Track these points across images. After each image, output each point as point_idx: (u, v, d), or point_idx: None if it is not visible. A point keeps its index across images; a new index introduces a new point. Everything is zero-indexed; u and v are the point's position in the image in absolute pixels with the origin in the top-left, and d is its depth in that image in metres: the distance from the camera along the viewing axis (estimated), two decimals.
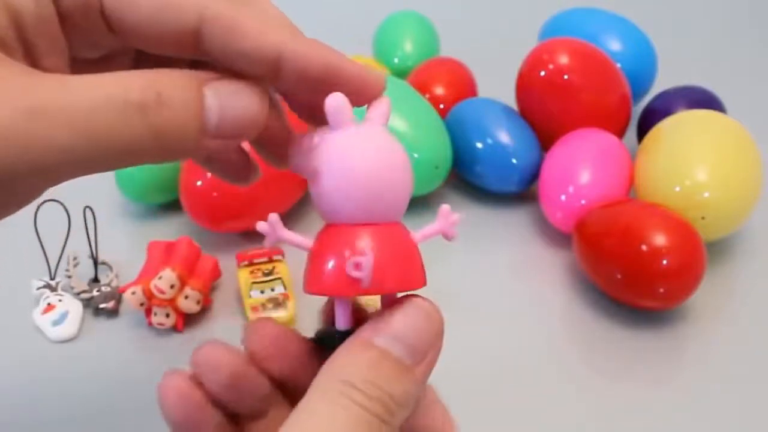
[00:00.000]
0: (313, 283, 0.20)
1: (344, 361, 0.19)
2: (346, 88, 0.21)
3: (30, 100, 0.17)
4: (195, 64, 0.22)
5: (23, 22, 0.19)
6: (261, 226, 0.20)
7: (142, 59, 0.24)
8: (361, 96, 0.22)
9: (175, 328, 0.39)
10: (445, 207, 0.22)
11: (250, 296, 0.39)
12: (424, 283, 0.21)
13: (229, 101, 0.19)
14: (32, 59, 0.20)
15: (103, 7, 0.20)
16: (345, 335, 0.21)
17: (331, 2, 0.78)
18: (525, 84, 0.49)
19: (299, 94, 0.22)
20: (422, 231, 0.22)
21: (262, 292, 0.40)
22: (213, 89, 0.19)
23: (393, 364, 0.19)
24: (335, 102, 0.21)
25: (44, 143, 0.17)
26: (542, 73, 0.47)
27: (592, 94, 0.47)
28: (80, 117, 0.17)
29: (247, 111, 0.19)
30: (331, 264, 0.20)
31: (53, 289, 0.41)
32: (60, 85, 0.17)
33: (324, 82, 0.21)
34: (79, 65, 0.22)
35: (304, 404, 0.18)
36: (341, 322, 0.21)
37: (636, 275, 0.38)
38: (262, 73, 0.20)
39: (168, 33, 0.20)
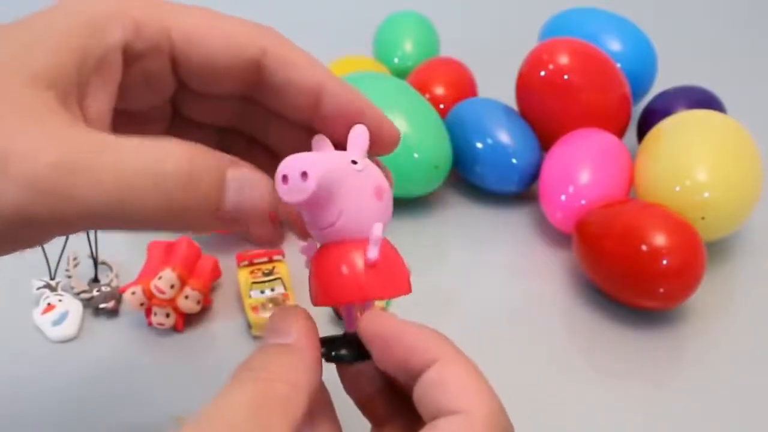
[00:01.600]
0: (323, 294, 0.23)
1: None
2: (368, 126, 0.24)
3: (69, 156, 0.17)
4: (225, 133, 0.26)
5: (88, 65, 0.20)
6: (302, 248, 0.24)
7: (176, 123, 0.25)
8: (376, 137, 0.24)
9: (175, 328, 0.39)
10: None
11: (250, 296, 0.39)
12: (410, 290, 0.24)
13: (247, 187, 0.21)
14: (81, 102, 0.20)
15: (174, 46, 0.22)
16: (351, 338, 0.23)
17: (331, 2, 0.78)
18: (525, 84, 0.49)
19: (328, 129, 0.24)
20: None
21: (262, 292, 0.40)
22: (236, 175, 0.20)
23: (276, 347, 0.22)
24: (360, 131, 0.23)
25: (71, 198, 0.17)
26: (542, 73, 0.47)
27: (592, 94, 0.47)
28: (111, 180, 0.18)
29: (261, 201, 0.21)
30: (341, 270, 0.22)
31: (53, 289, 0.41)
32: (101, 144, 0.18)
33: (352, 119, 0.24)
34: (117, 118, 0.22)
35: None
36: (350, 326, 0.24)
37: (636, 275, 0.38)
38: (306, 102, 0.23)
39: (233, 66, 0.22)
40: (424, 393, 0.21)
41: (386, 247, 0.23)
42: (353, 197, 0.22)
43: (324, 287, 0.23)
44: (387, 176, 0.24)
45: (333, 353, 0.23)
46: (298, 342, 0.21)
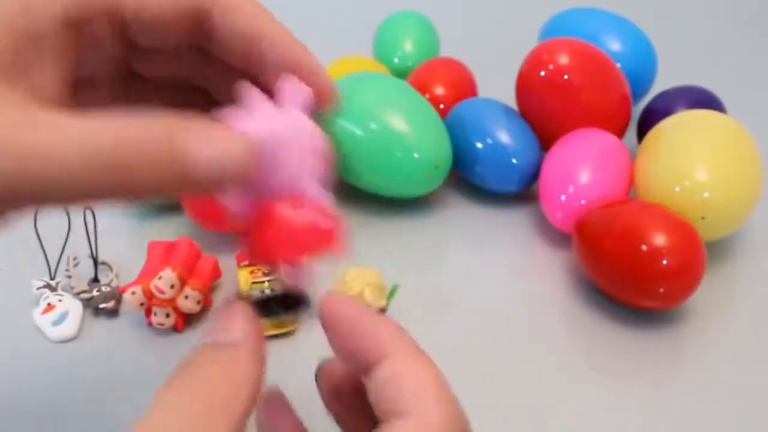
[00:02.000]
0: (263, 251, 0.23)
1: None
2: (302, 78, 0.23)
3: (19, 146, 0.18)
4: (185, 92, 0.26)
5: (27, 43, 0.20)
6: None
7: (133, 84, 0.25)
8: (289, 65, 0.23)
9: (175, 328, 0.39)
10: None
11: None
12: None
13: (205, 141, 0.19)
14: (27, 78, 0.20)
15: (117, 5, 0.21)
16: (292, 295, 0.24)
17: (331, 2, 0.78)
18: (525, 84, 0.49)
19: (269, 79, 0.24)
20: None
21: (262, 292, 0.40)
22: (190, 131, 0.19)
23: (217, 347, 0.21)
24: (296, 85, 0.23)
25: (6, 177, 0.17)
26: (542, 73, 0.47)
27: (592, 94, 0.47)
28: (41, 156, 0.18)
29: (227, 153, 0.20)
30: (285, 227, 0.22)
31: (53, 289, 0.41)
32: (33, 124, 0.18)
33: (288, 69, 0.23)
34: (72, 86, 0.22)
35: None
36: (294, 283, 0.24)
37: (636, 275, 0.38)
38: (247, 50, 0.23)
39: (179, 16, 0.22)
40: (375, 390, 0.21)
41: (323, 206, 0.23)
42: (292, 157, 0.22)
43: (267, 244, 0.23)
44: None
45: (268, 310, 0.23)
46: (239, 340, 0.21)
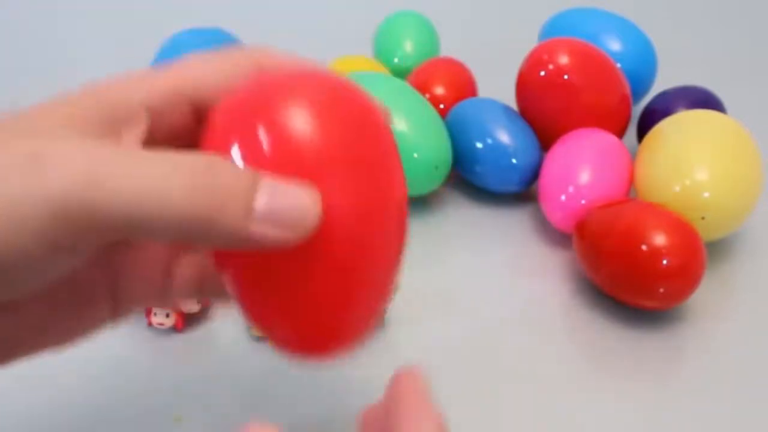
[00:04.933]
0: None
1: None
2: None
3: (96, 165, 0.18)
4: None
5: (115, 120, 0.22)
6: None
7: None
8: None
9: (175, 328, 0.39)
10: None
11: None
12: None
13: (280, 193, 0.20)
14: (116, 139, 0.22)
15: (189, 95, 0.24)
16: None
17: (331, 2, 0.78)
18: (525, 84, 0.49)
19: None
20: None
21: None
22: (268, 182, 0.20)
23: None
24: None
25: (98, 204, 0.18)
26: (542, 73, 0.47)
27: (592, 94, 0.47)
28: (132, 187, 0.18)
29: (299, 204, 0.20)
30: None
31: None
32: (126, 155, 0.19)
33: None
34: None
35: None
36: None
37: (636, 275, 0.38)
38: None
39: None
40: None
41: None
42: None
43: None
44: None
45: None
46: None
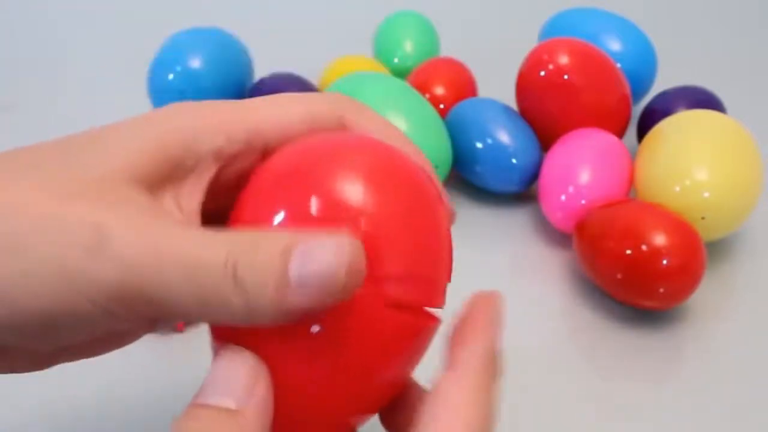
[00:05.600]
0: None
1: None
2: None
3: (150, 244, 0.18)
4: None
5: (180, 173, 0.21)
6: None
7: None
8: None
9: (175, 328, 0.39)
10: None
11: None
12: None
13: (311, 255, 0.18)
14: (171, 198, 0.21)
15: (264, 141, 0.23)
16: None
17: (331, 2, 0.78)
18: (525, 84, 0.49)
19: None
20: None
21: None
22: (300, 248, 0.18)
23: (213, 413, 0.19)
24: None
25: (153, 286, 0.18)
26: (542, 73, 0.47)
27: (592, 94, 0.47)
28: (178, 271, 0.18)
29: (330, 265, 0.17)
30: None
31: None
32: (172, 233, 0.19)
33: None
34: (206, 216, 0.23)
35: None
36: None
37: (636, 275, 0.38)
38: None
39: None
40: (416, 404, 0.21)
41: None
42: None
43: None
44: None
45: None
46: (244, 410, 0.18)
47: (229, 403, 0.18)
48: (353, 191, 0.20)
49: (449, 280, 0.23)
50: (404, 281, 0.21)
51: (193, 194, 0.22)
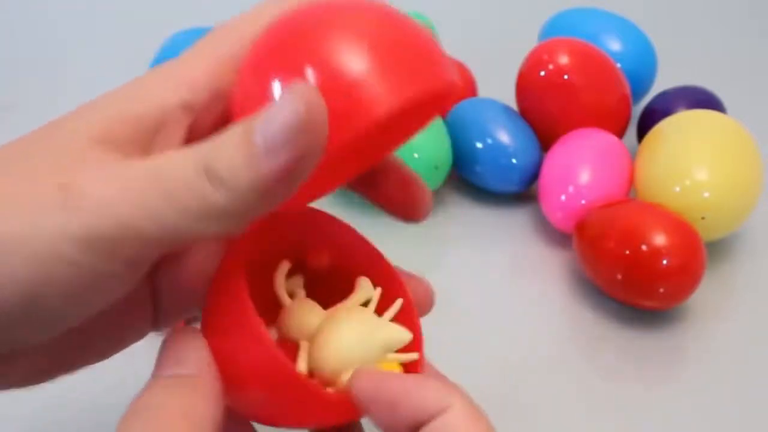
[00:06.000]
0: None
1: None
2: None
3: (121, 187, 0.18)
4: None
5: (146, 129, 0.21)
6: None
7: None
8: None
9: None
10: None
11: None
12: None
13: (270, 117, 0.18)
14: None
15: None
16: None
17: None
18: (525, 84, 0.49)
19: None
20: None
21: None
22: (258, 119, 0.18)
23: (174, 381, 0.20)
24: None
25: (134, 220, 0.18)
26: (542, 73, 0.47)
27: (592, 94, 0.47)
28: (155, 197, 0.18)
29: (293, 114, 0.17)
30: None
31: None
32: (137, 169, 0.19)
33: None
34: None
35: None
36: None
37: (636, 275, 0.38)
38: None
39: None
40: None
41: None
42: None
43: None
44: None
45: None
46: (197, 372, 0.20)
47: (189, 370, 0.20)
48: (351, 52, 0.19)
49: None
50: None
51: (166, 150, 0.21)
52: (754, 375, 0.37)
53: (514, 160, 0.47)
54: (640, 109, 0.53)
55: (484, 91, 0.56)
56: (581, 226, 0.42)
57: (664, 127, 0.45)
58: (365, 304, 0.24)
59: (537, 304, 0.42)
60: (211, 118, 0.22)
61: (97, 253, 0.18)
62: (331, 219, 0.24)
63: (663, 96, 0.52)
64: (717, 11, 0.80)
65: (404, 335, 0.22)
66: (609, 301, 0.41)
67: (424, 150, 0.46)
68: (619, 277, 0.39)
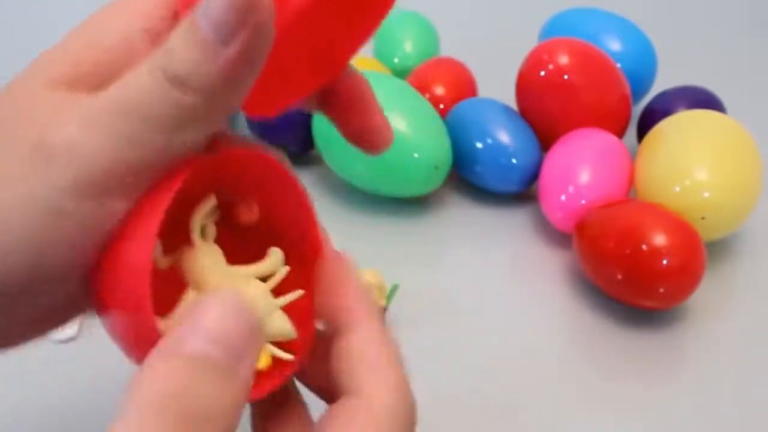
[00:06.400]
0: None
1: (154, 375, 0.18)
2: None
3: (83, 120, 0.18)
4: None
5: (106, 60, 0.20)
6: None
7: None
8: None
9: None
10: None
11: None
12: None
13: (210, 2, 0.17)
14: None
15: None
16: None
17: None
18: (525, 84, 0.49)
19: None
20: None
21: None
22: (197, 10, 0.18)
23: (211, 368, 0.17)
24: None
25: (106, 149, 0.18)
26: (542, 73, 0.47)
27: (592, 94, 0.47)
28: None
29: None
30: None
31: None
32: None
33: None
34: None
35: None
36: None
37: (636, 275, 0.38)
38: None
39: None
40: (338, 358, 0.20)
41: None
42: None
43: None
44: None
45: None
46: (238, 369, 0.17)
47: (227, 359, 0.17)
48: None
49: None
50: None
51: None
52: (754, 375, 0.37)
53: (514, 160, 0.47)
54: (640, 109, 0.53)
55: (484, 91, 0.56)
56: (581, 226, 0.42)
57: (664, 127, 0.45)
58: (269, 277, 0.22)
59: (537, 304, 0.42)
60: None
61: (90, 197, 0.18)
62: (280, 172, 0.22)
63: (663, 96, 0.52)
64: (717, 11, 0.80)
65: (287, 330, 0.21)
66: (609, 301, 0.41)
67: (424, 150, 0.46)
68: (619, 277, 0.39)
